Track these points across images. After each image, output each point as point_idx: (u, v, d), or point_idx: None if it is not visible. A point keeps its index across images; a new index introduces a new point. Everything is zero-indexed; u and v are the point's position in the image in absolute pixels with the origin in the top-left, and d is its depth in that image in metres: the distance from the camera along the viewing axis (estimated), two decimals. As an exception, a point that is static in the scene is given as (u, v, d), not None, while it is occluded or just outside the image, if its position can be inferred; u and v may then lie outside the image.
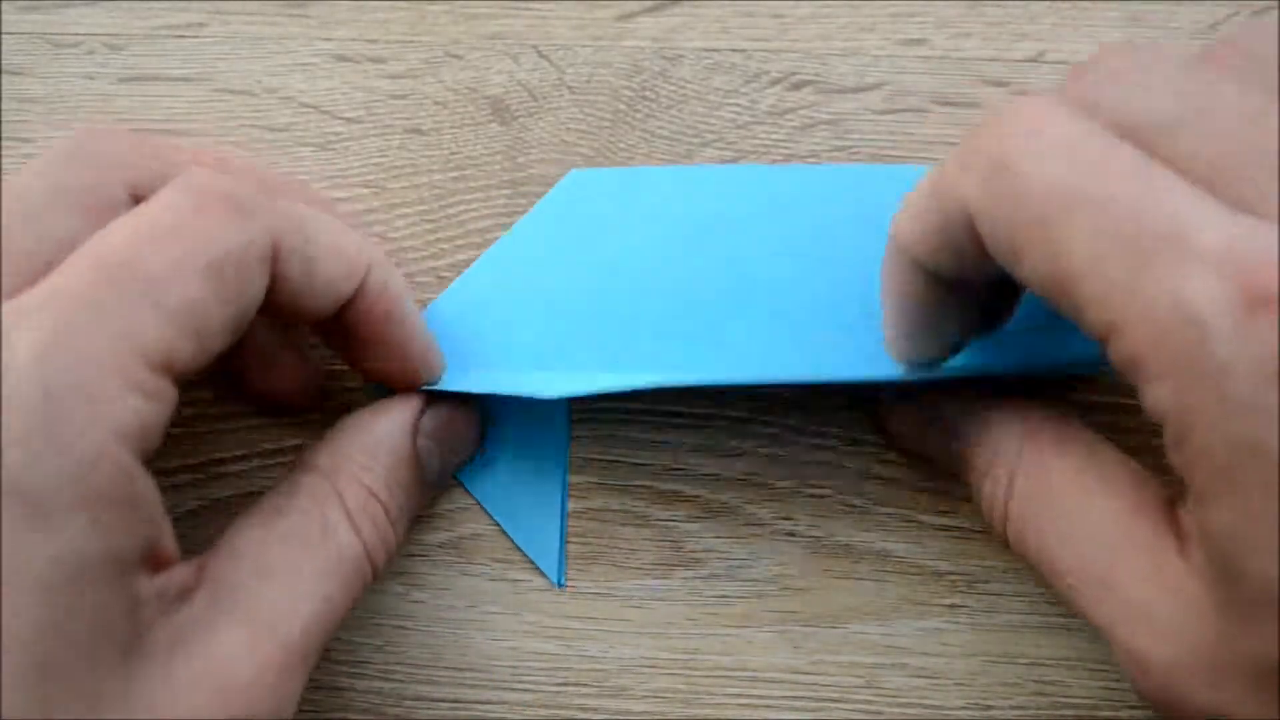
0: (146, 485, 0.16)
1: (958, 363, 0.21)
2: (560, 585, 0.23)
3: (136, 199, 0.19)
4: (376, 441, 0.21)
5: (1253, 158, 0.15)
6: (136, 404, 0.15)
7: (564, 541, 0.23)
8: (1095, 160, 0.15)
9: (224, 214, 0.17)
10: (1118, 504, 0.17)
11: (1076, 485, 0.18)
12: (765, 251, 0.24)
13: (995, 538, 0.20)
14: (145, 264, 0.16)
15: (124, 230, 0.17)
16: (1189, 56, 0.16)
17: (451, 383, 0.22)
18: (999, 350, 0.21)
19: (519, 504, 0.23)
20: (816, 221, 0.24)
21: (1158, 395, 0.14)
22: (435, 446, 0.22)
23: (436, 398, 0.22)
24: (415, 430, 0.21)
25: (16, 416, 0.14)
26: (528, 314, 0.24)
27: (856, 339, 0.24)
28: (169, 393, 0.16)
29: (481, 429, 0.23)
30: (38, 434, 0.14)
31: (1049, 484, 0.18)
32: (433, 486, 0.22)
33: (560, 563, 0.23)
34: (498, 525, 0.23)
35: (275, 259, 0.18)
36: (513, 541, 0.23)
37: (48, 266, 0.16)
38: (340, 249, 0.19)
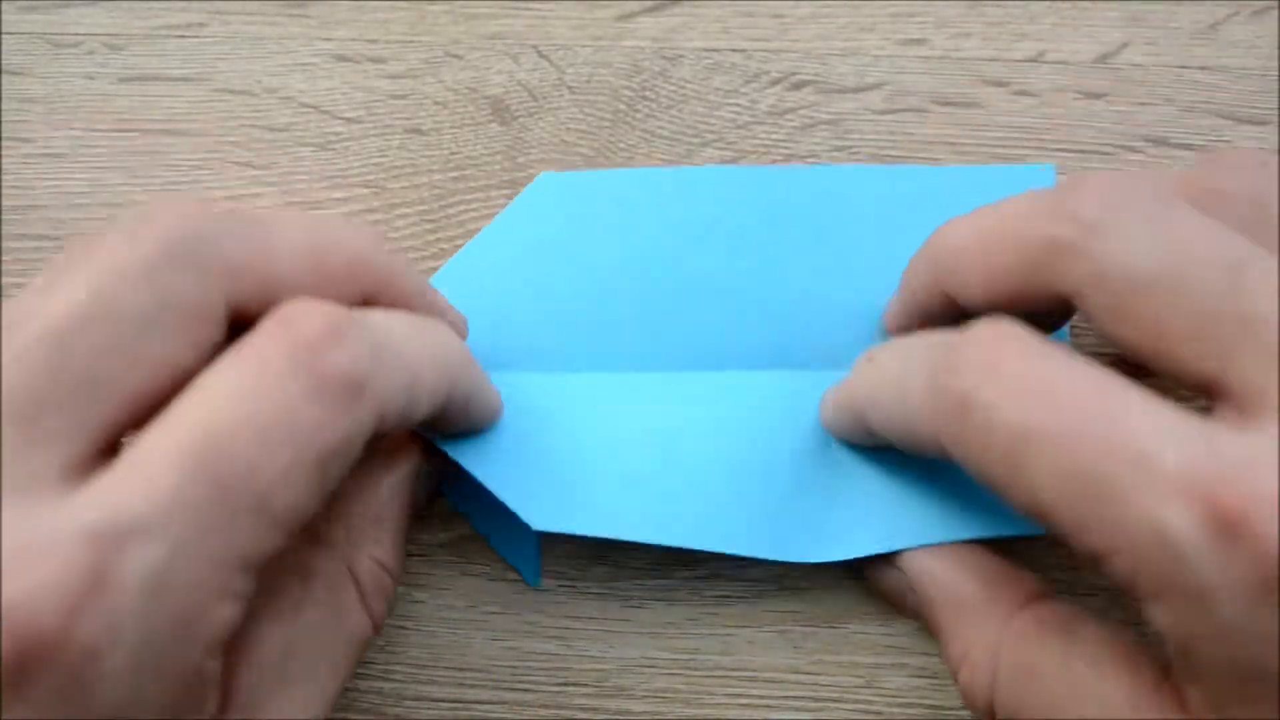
0: (217, 675, 0.15)
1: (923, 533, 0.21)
2: (534, 584, 0.23)
3: (235, 313, 0.16)
4: (384, 505, 0.20)
5: (1230, 327, 0.15)
6: (229, 611, 0.15)
7: (538, 540, 0.23)
8: (1051, 394, 0.15)
9: (340, 403, 0.15)
10: (1112, 690, 0.17)
11: (1065, 675, 0.17)
12: (736, 252, 0.24)
13: None
14: (258, 471, 0.14)
15: (234, 412, 0.14)
16: (1166, 189, 0.17)
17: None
18: (965, 514, 0.22)
19: (490, 502, 0.23)
20: (787, 222, 0.24)
21: (1154, 615, 0.15)
22: (427, 489, 0.22)
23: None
24: (417, 482, 0.21)
25: (122, 655, 0.13)
26: (494, 316, 0.24)
27: (825, 336, 0.24)
28: (254, 582, 0.15)
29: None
30: (138, 670, 0.14)
31: (1036, 675, 0.18)
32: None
33: (535, 562, 0.23)
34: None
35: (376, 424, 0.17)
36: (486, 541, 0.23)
37: (141, 400, 0.15)
38: (437, 389, 0.18)
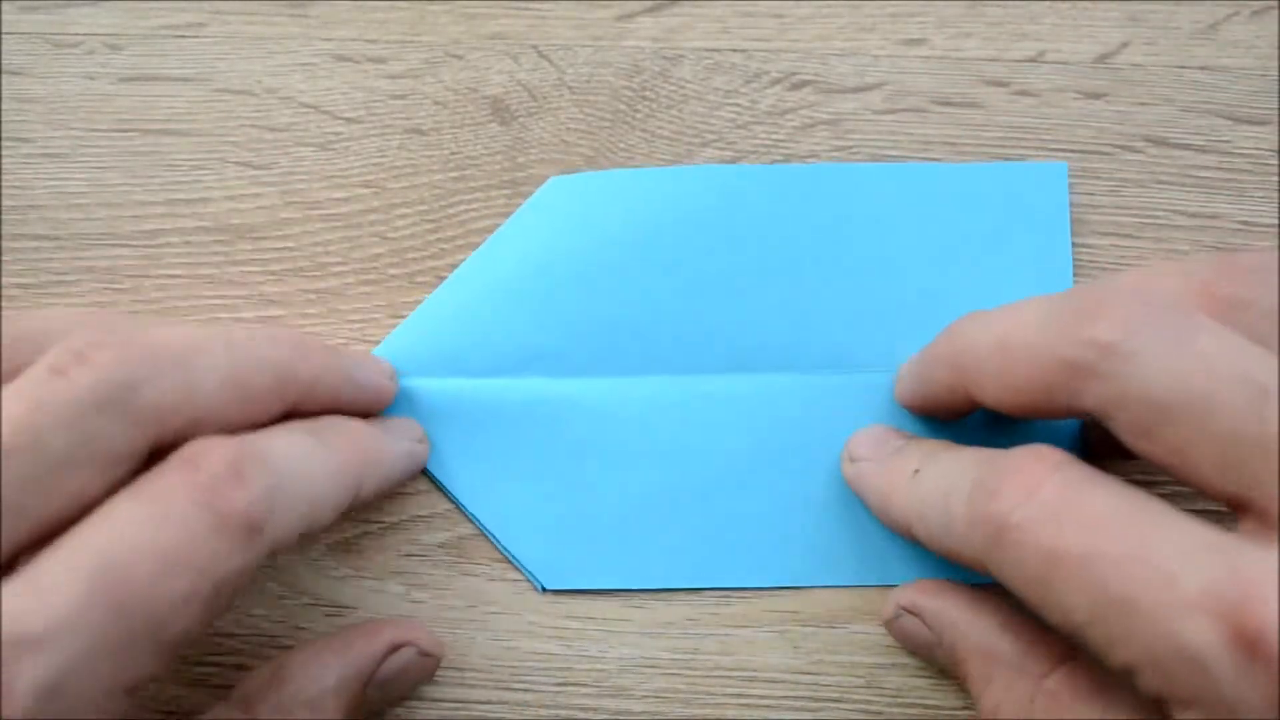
0: None
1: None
2: (543, 589, 0.23)
3: (156, 448, 0.17)
4: (325, 696, 0.20)
5: (1256, 452, 0.15)
6: None
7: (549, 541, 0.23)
8: (1083, 518, 0.16)
9: (236, 539, 0.16)
10: None
11: None
12: (747, 251, 0.24)
13: None
14: (156, 600, 0.15)
15: (136, 539, 0.15)
16: (1185, 301, 0.17)
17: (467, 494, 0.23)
18: None
19: (505, 502, 0.23)
20: (799, 220, 0.24)
21: None
22: (384, 693, 0.21)
23: (409, 645, 0.21)
24: (369, 681, 0.20)
25: None
26: (504, 321, 0.24)
27: (840, 338, 0.24)
28: (131, 701, 0.16)
29: (438, 663, 0.22)
30: None
31: None
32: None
33: (546, 562, 0.23)
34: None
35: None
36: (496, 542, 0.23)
37: (48, 526, 0.16)
38: (339, 503, 0.19)
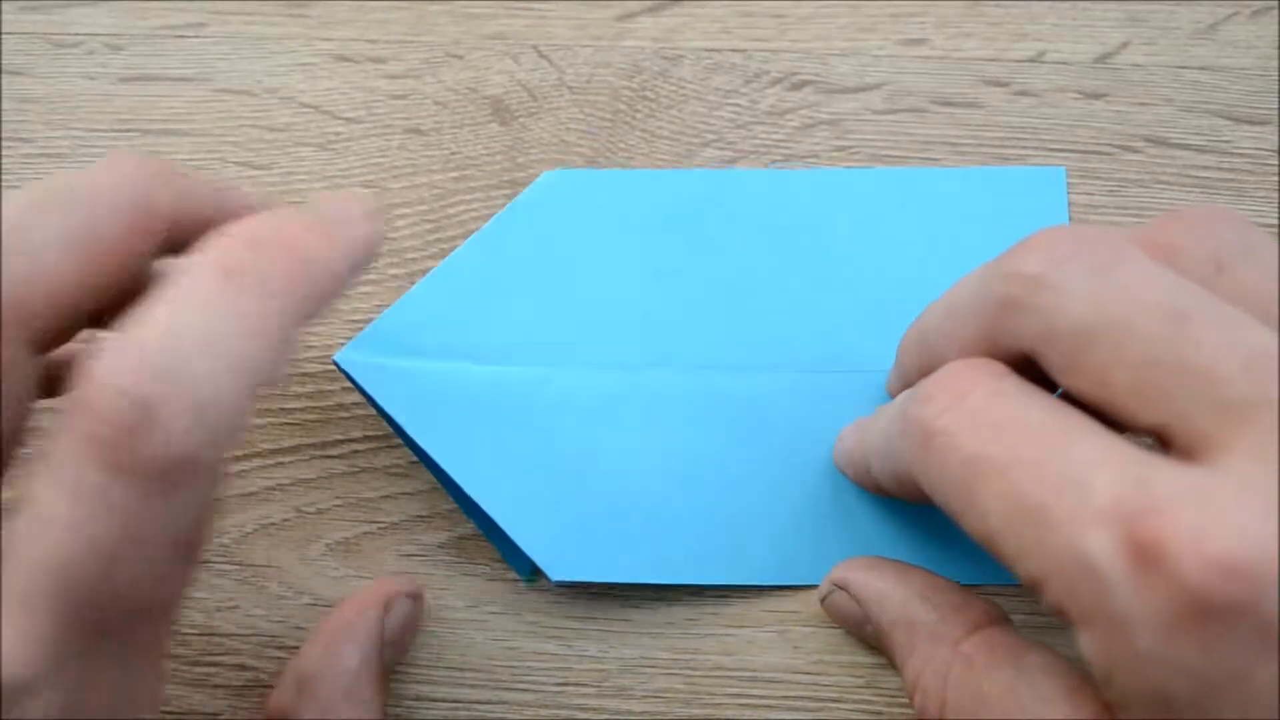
0: None
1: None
2: (550, 580, 0.23)
3: (49, 338, 0.16)
4: (357, 681, 0.20)
5: (1172, 377, 0.15)
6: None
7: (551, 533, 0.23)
8: (1005, 425, 0.16)
9: (163, 493, 0.14)
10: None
11: (1010, 703, 0.18)
12: (740, 253, 0.24)
13: None
14: (119, 590, 0.14)
15: (74, 550, 0.14)
16: (1118, 238, 0.17)
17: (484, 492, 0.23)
18: (960, 560, 0.22)
19: (509, 493, 0.23)
20: (793, 224, 0.25)
21: (1081, 642, 0.15)
22: (396, 651, 0.21)
23: (397, 598, 0.21)
24: (382, 646, 0.21)
25: None
26: (495, 311, 0.24)
27: (830, 338, 0.24)
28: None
29: (424, 604, 0.22)
30: None
31: (982, 701, 0.18)
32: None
33: (548, 553, 0.23)
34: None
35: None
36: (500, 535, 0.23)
37: None
38: (286, 354, 0.16)
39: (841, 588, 0.21)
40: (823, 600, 0.22)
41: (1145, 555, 0.13)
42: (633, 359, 0.24)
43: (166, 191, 0.17)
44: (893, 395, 0.23)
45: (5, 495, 0.15)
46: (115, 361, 0.14)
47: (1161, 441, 0.15)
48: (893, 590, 0.20)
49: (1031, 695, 0.17)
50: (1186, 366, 0.15)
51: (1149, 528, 0.13)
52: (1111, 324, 0.15)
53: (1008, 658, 0.18)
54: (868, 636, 0.21)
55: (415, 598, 0.22)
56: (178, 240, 0.17)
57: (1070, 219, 0.25)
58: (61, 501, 0.14)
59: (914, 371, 0.21)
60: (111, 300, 0.17)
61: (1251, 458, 0.14)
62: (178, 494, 0.14)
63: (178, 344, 0.14)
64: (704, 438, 0.23)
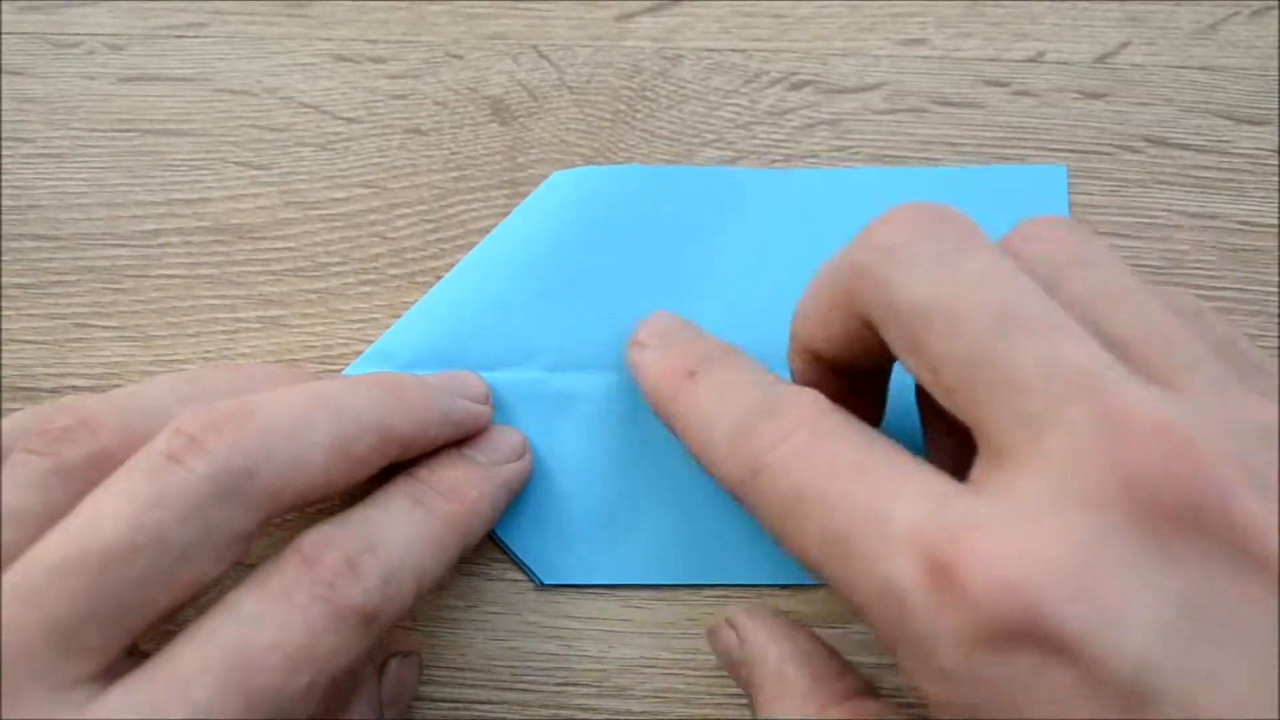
0: None
1: None
2: (541, 583, 0.23)
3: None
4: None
5: (987, 377, 0.15)
6: None
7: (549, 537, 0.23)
8: (820, 463, 0.16)
9: (354, 632, 0.17)
10: None
11: None
12: (747, 251, 0.24)
13: None
14: (282, 695, 0.16)
15: (267, 638, 0.16)
16: (976, 228, 0.17)
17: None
18: None
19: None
20: (799, 223, 0.25)
21: (898, 664, 0.15)
22: (394, 710, 0.22)
23: (392, 659, 0.22)
24: (381, 707, 0.21)
25: None
26: (505, 313, 0.24)
27: None
28: None
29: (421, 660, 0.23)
30: None
31: None
32: None
33: (539, 556, 0.23)
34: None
35: None
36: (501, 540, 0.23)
37: (166, 614, 0.16)
38: (449, 566, 0.20)
39: (731, 626, 0.21)
40: (709, 631, 0.22)
41: (941, 578, 0.14)
42: (621, 359, 0.24)
43: (406, 421, 0.20)
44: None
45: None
46: (333, 534, 0.18)
47: (976, 437, 0.16)
48: (778, 643, 0.20)
49: None
50: (1000, 370, 0.15)
51: (945, 553, 0.14)
52: (946, 312, 0.15)
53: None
54: (741, 680, 0.21)
55: (409, 654, 0.22)
56: (404, 455, 0.20)
57: (1071, 217, 0.25)
58: (266, 606, 0.16)
59: (795, 358, 0.21)
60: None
61: (1041, 476, 0.14)
62: (355, 640, 0.17)
63: (383, 535, 0.18)
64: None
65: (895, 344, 0.16)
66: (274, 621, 0.16)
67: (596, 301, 0.24)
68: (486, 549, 0.23)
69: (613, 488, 0.23)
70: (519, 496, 0.23)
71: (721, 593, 0.23)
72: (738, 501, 0.18)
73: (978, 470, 0.15)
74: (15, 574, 0.15)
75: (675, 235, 0.24)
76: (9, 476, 0.17)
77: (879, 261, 0.16)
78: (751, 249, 0.24)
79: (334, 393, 0.19)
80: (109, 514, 0.16)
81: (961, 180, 0.25)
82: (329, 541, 0.18)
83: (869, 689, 0.19)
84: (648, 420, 0.23)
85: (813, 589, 0.23)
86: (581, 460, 0.23)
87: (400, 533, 0.19)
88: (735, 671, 0.21)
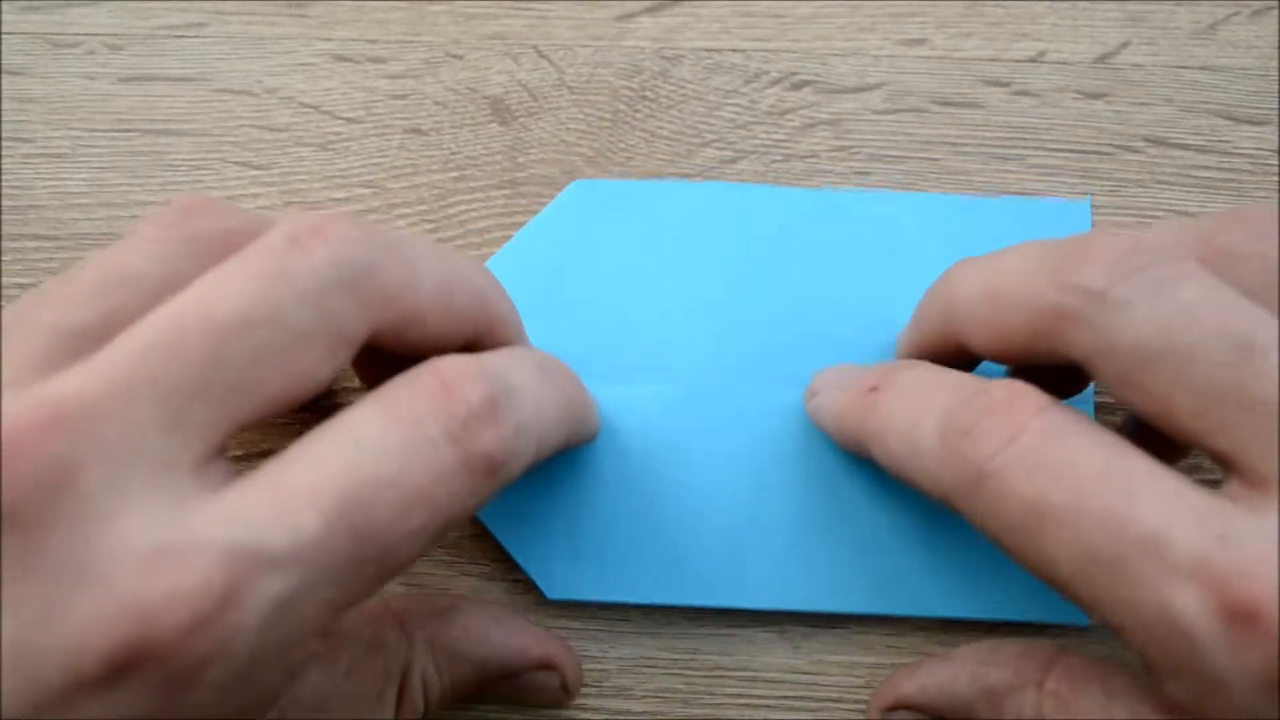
0: (283, 694, 0.16)
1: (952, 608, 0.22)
2: (547, 598, 0.23)
3: (372, 337, 0.17)
4: (473, 647, 0.20)
5: (1236, 408, 0.15)
6: (319, 646, 0.15)
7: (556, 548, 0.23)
8: (1064, 469, 0.15)
9: (480, 480, 0.16)
10: None
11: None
12: (765, 271, 0.24)
13: None
14: (392, 534, 0.15)
15: (387, 468, 0.15)
16: (1178, 250, 0.16)
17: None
18: (994, 595, 0.22)
19: (514, 511, 0.23)
20: (818, 244, 0.24)
21: (1171, 690, 0.15)
22: (509, 695, 0.22)
23: (557, 665, 0.22)
24: (510, 675, 0.21)
25: (224, 670, 0.14)
26: (527, 322, 0.24)
27: (854, 357, 0.23)
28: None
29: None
30: (232, 685, 0.14)
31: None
32: None
33: (545, 570, 0.23)
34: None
35: None
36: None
37: (274, 405, 0.15)
38: (556, 447, 0.19)
39: (903, 706, 0.21)
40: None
41: (1239, 618, 0.13)
42: (636, 373, 0.23)
43: (501, 296, 0.19)
44: (900, 351, 0.22)
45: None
46: (475, 366, 0.16)
47: (1222, 465, 0.15)
48: (953, 675, 0.20)
49: (1126, 716, 0.17)
50: (1251, 399, 0.14)
51: (1240, 590, 0.13)
52: (1174, 348, 0.15)
53: (1093, 684, 0.18)
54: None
55: (565, 691, 0.22)
56: (486, 339, 0.19)
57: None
58: (394, 430, 0.15)
59: (932, 336, 0.20)
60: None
61: None
62: (476, 489, 0.16)
63: (518, 385, 0.17)
64: (708, 454, 0.23)
65: (1112, 382, 0.16)
66: (398, 454, 0.15)
67: (613, 315, 0.24)
68: (486, 549, 0.23)
69: (623, 504, 0.23)
70: (519, 508, 0.23)
71: (721, 593, 0.23)
72: (953, 511, 0.17)
73: (1236, 491, 0.15)
74: (130, 336, 0.14)
75: (694, 251, 0.24)
76: (131, 244, 0.16)
77: (1088, 306, 0.16)
78: (771, 268, 0.24)
79: (440, 244, 0.18)
80: (229, 286, 0.15)
81: (984, 211, 0.25)
82: (472, 372, 0.16)
83: (1059, 647, 0.19)
84: (661, 435, 0.23)
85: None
86: (593, 474, 0.23)
87: (532, 391, 0.17)
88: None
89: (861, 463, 0.23)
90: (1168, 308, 0.15)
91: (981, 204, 0.25)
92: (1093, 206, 0.25)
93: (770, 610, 0.22)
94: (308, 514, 0.14)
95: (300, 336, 0.15)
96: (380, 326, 0.16)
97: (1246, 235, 0.16)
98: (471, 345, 0.19)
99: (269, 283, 0.15)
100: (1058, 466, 0.15)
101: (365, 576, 0.15)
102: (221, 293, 0.15)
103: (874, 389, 0.19)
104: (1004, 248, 0.19)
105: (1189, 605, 0.14)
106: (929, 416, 0.17)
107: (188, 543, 0.13)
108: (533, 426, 0.17)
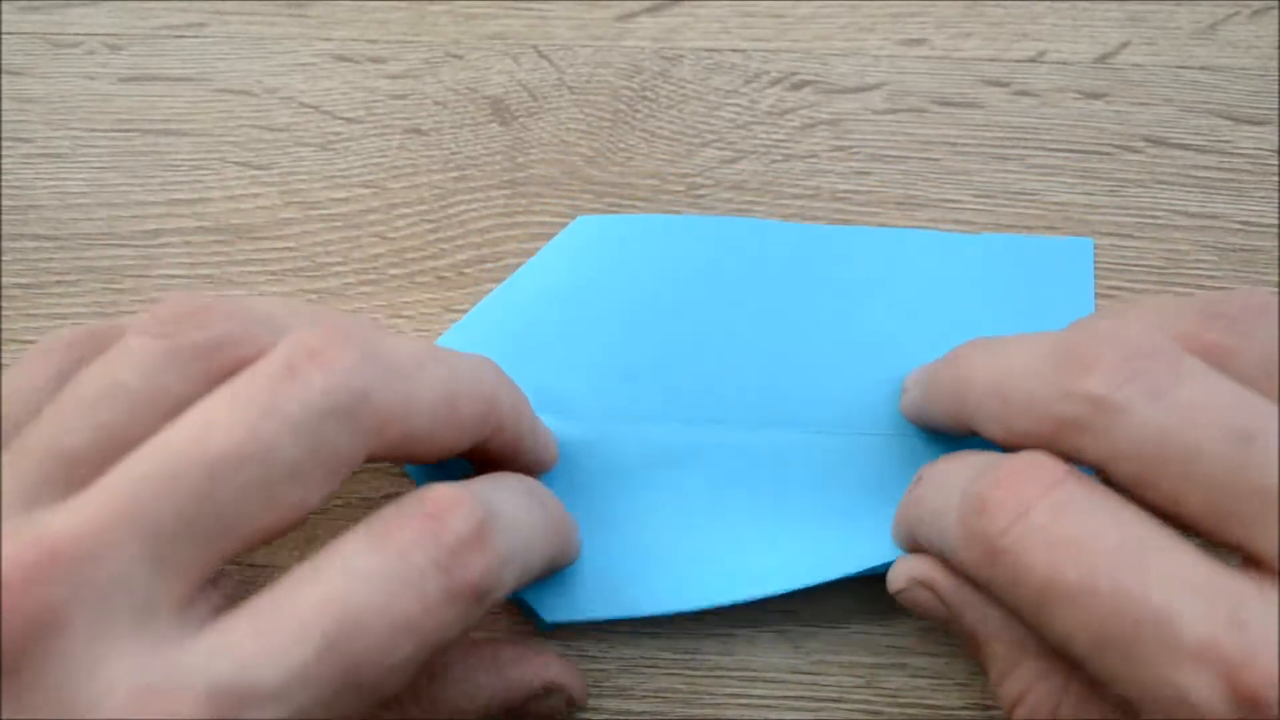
0: None
1: None
2: (550, 626, 0.23)
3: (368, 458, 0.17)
4: (469, 709, 0.19)
5: (1244, 499, 0.15)
6: None
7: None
8: (1075, 546, 0.15)
9: (466, 606, 0.16)
10: None
11: None
12: (768, 306, 0.24)
13: None
14: (382, 665, 0.15)
15: (372, 598, 0.15)
16: (1174, 346, 0.16)
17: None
18: None
19: None
20: (821, 281, 0.24)
21: None
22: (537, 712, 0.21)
23: (557, 686, 0.21)
24: (514, 708, 0.20)
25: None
26: (524, 360, 0.23)
27: (855, 397, 0.23)
28: None
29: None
30: None
31: None
32: None
33: (548, 599, 0.23)
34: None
35: None
36: None
37: (262, 536, 0.15)
38: (538, 573, 0.19)
39: (928, 587, 0.20)
40: (898, 593, 0.21)
41: (1249, 703, 0.14)
42: (648, 413, 0.23)
43: (510, 402, 0.19)
44: (907, 417, 0.23)
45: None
46: (464, 495, 0.16)
47: (1239, 555, 0.15)
48: (992, 608, 0.19)
49: None
50: (1257, 489, 0.15)
51: (1252, 678, 0.14)
52: (1178, 448, 0.15)
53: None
54: (947, 631, 0.21)
55: (573, 704, 0.21)
56: (494, 440, 0.19)
57: (1093, 289, 0.24)
58: (379, 563, 0.15)
59: (945, 419, 0.21)
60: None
61: None
62: (462, 616, 0.16)
63: (505, 511, 0.17)
64: (712, 493, 0.23)
65: (1126, 483, 0.16)
66: (386, 584, 0.15)
67: (615, 350, 0.24)
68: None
69: (613, 536, 0.23)
70: None
71: (721, 593, 0.23)
72: (984, 590, 0.17)
73: (1247, 573, 0.15)
74: (121, 472, 0.14)
75: (695, 286, 0.24)
76: (119, 355, 0.16)
77: (1090, 414, 0.16)
78: (770, 303, 0.24)
79: (446, 351, 0.18)
80: (221, 420, 0.15)
81: (987, 248, 0.24)
82: (457, 500, 0.16)
83: None
84: (659, 472, 0.23)
85: (811, 590, 0.23)
86: (590, 509, 0.23)
87: (520, 517, 0.18)
88: (941, 625, 0.21)
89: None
90: (1168, 408, 0.16)
91: (983, 241, 0.25)
92: (1093, 206, 0.25)
93: (772, 596, 0.22)
94: (296, 646, 0.14)
95: (292, 469, 0.15)
96: (377, 450, 0.16)
97: (1234, 330, 0.17)
98: (477, 446, 0.19)
99: (262, 415, 0.15)
100: (1069, 541, 0.15)
101: (356, 705, 0.15)
102: (213, 427, 0.15)
103: (917, 481, 0.20)
104: (1008, 338, 0.19)
105: (1200, 689, 0.14)
106: (952, 496, 0.18)
107: (172, 682, 0.13)
108: (520, 553, 0.17)
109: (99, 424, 0.15)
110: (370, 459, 0.16)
